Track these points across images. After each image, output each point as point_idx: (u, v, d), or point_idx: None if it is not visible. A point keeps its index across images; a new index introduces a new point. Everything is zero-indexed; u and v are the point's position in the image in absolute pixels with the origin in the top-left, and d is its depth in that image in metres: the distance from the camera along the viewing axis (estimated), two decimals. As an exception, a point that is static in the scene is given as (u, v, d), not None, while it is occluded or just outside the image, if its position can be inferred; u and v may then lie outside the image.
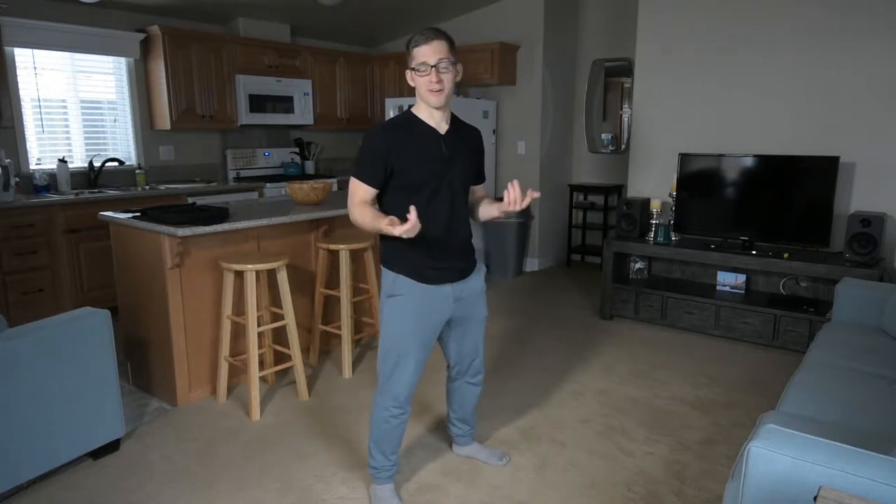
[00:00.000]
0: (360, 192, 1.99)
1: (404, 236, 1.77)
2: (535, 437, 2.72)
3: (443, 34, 1.94)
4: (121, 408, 2.52)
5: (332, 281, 3.54)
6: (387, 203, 2.04)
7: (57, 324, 2.28)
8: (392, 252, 2.06)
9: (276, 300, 3.21)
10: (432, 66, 1.91)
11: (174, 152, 5.19)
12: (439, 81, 1.92)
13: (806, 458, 1.31)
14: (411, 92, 6.42)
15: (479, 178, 2.23)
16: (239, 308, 3.10)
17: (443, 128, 2.04)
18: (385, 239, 2.05)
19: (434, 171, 2.01)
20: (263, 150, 5.76)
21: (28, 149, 4.34)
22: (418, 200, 1.97)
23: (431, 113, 2.01)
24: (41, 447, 2.24)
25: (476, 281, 2.18)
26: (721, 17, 4.14)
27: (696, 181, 4.13)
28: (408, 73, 1.98)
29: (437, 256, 2.03)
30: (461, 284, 2.12)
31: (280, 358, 3.40)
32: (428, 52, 1.90)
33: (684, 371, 3.48)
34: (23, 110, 4.29)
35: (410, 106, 2.08)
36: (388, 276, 2.08)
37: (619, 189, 5.70)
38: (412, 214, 1.75)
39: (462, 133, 2.11)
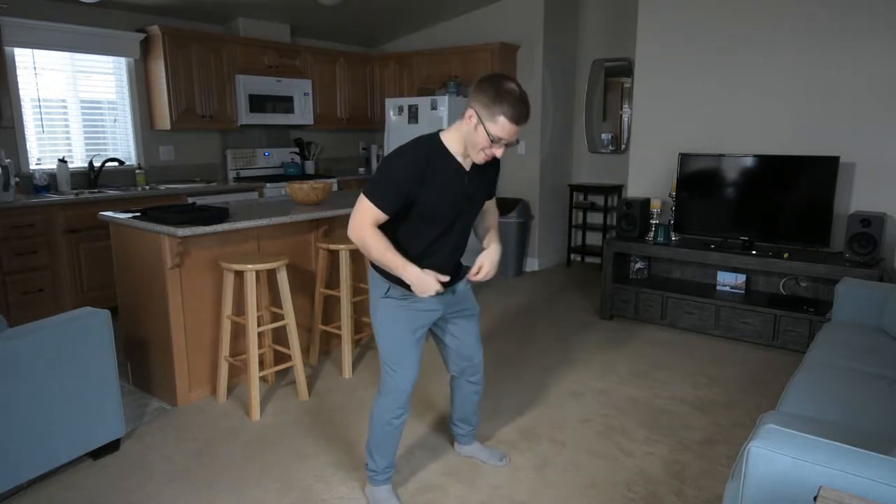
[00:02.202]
0: (374, 216, 1.87)
1: (417, 293, 1.92)
2: (535, 437, 2.72)
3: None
4: (121, 408, 2.52)
5: (332, 281, 3.54)
6: (395, 228, 1.96)
7: (57, 324, 2.28)
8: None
9: (276, 300, 3.22)
10: (506, 144, 1.86)
11: (174, 152, 5.19)
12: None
13: (806, 458, 1.31)
14: (411, 92, 6.38)
15: (490, 195, 2.20)
16: (239, 308, 3.10)
17: (468, 164, 1.97)
18: None
19: (454, 208, 1.97)
20: (263, 150, 5.76)
21: (28, 149, 4.34)
22: (430, 232, 1.96)
23: (463, 148, 1.93)
24: (41, 447, 2.24)
25: (461, 283, 2.21)
26: (721, 17, 4.15)
27: (696, 181, 4.13)
28: (473, 116, 1.82)
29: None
30: (450, 291, 2.15)
31: (280, 358, 3.40)
32: (515, 132, 1.82)
33: (684, 371, 3.48)
34: (23, 110, 4.29)
35: (438, 129, 1.97)
36: (378, 279, 2.07)
37: (619, 189, 5.71)
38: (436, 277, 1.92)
39: (483, 165, 2.05)
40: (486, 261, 2.09)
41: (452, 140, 1.92)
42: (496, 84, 1.79)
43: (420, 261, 1.95)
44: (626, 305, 4.32)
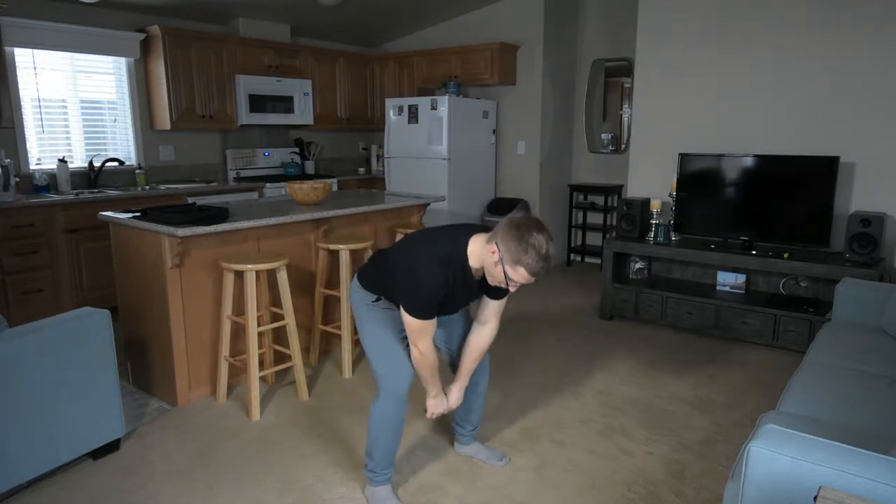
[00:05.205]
0: (432, 328, 2.03)
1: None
2: (535, 437, 2.72)
3: None
4: (121, 408, 2.52)
5: (332, 281, 3.54)
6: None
7: (57, 324, 2.28)
8: (378, 286, 2.15)
9: (276, 300, 3.22)
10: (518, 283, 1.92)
11: (174, 152, 5.19)
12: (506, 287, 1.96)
13: (806, 458, 1.31)
14: (411, 92, 6.38)
15: (500, 296, 2.21)
16: (239, 308, 3.10)
17: (479, 275, 2.05)
18: (371, 273, 2.16)
19: (457, 305, 2.14)
20: (263, 150, 5.76)
21: (28, 149, 4.34)
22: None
23: (479, 266, 2.00)
24: (41, 447, 2.24)
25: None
26: (721, 16, 4.15)
27: (696, 181, 4.13)
28: (496, 253, 1.87)
29: None
30: None
31: (280, 358, 3.40)
32: (530, 280, 1.88)
33: (684, 371, 3.48)
34: (23, 110, 4.29)
35: (466, 239, 2.01)
36: (363, 292, 2.18)
37: (619, 189, 5.70)
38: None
39: None
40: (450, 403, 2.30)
41: (475, 255, 1.98)
42: (526, 234, 1.81)
43: None
44: (626, 305, 4.32)
